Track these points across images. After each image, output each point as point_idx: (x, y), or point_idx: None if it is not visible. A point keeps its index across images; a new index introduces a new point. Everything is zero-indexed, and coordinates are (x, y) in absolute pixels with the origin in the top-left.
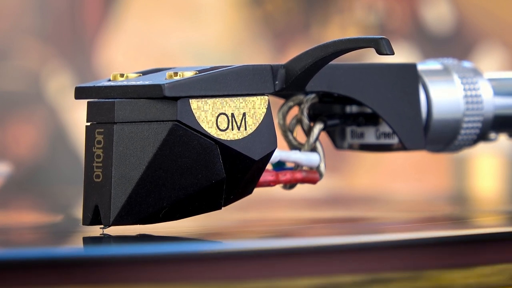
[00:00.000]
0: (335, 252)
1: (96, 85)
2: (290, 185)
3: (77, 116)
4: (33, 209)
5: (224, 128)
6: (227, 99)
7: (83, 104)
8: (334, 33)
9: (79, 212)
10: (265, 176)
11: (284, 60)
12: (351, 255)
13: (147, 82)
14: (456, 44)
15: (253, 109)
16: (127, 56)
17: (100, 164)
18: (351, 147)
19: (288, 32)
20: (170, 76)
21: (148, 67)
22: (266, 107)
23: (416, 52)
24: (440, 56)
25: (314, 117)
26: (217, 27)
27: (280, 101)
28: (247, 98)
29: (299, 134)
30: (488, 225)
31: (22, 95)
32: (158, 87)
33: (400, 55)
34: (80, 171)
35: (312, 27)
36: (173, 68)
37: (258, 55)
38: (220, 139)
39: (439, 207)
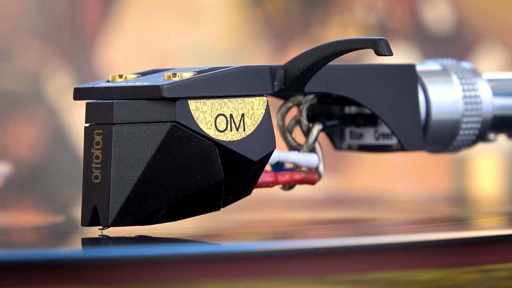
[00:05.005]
0: (335, 253)
1: (94, 86)
2: (289, 186)
3: (77, 116)
4: (33, 209)
5: (222, 129)
6: (225, 100)
7: (83, 104)
8: (334, 33)
9: (78, 213)
10: (264, 177)
11: (284, 60)
12: (351, 256)
13: (145, 83)
14: (456, 44)
15: (252, 110)
16: (127, 56)
17: (99, 165)
18: (350, 148)
19: (288, 32)
20: (169, 77)
21: (148, 68)
22: (265, 108)
23: (416, 52)
24: (440, 56)
25: (313, 118)
26: (217, 27)
27: (279, 102)
28: (245, 99)
29: (298, 135)
30: (488, 226)
31: (22, 95)
32: (157, 88)
33: (400, 55)
34: (80, 171)
35: (312, 27)
36: (172, 69)
37: (258, 55)
38: (218, 140)
39: (439, 208)
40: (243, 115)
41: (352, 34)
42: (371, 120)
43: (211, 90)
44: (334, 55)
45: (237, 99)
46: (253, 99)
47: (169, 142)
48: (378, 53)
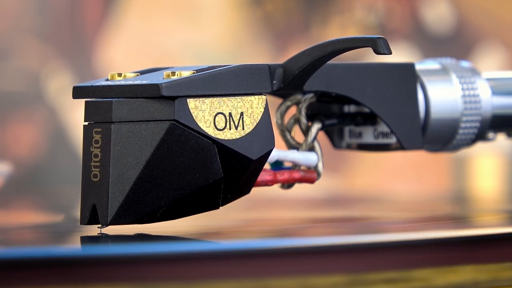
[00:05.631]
0: (334, 251)
1: (93, 84)
2: (288, 184)
3: (77, 116)
4: (33, 209)
5: (221, 128)
6: (224, 98)
7: (83, 104)
8: (334, 33)
9: (78, 212)
10: (263, 176)
11: (284, 60)
12: (351, 254)
13: (144, 82)
14: (456, 44)
15: (251, 108)
16: (127, 56)
17: (98, 164)
18: (349, 147)
19: (288, 32)
20: (168, 76)
21: (148, 67)
22: (264, 106)
23: (416, 52)
24: (440, 56)
25: (312, 117)
26: (217, 27)
27: (278, 100)
28: (244, 97)
29: (297, 133)
30: (488, 224)
31: (22, 95)
32: (156, 86)
33: (400, 55)
34: (80, 171)
35: (312, 27)
36: (171, 67)
37: (258, 55)
38: (217, 138)
39: (439, 207)
40: (242, 113)
41: (352, 34)
42: (370, 119)
43: (210, 88)
44: (333, 53)
45: (236, 97)
46: (252, 97)
47: (168, 141)
48: (377, 52)
